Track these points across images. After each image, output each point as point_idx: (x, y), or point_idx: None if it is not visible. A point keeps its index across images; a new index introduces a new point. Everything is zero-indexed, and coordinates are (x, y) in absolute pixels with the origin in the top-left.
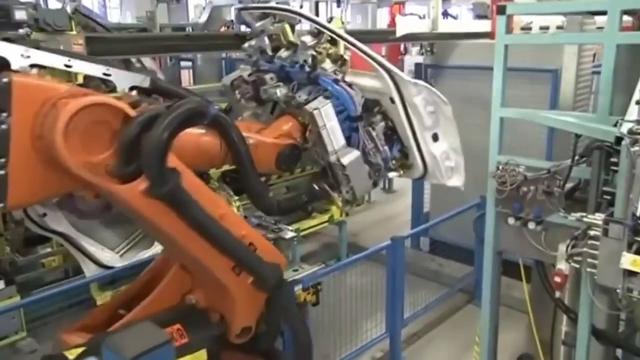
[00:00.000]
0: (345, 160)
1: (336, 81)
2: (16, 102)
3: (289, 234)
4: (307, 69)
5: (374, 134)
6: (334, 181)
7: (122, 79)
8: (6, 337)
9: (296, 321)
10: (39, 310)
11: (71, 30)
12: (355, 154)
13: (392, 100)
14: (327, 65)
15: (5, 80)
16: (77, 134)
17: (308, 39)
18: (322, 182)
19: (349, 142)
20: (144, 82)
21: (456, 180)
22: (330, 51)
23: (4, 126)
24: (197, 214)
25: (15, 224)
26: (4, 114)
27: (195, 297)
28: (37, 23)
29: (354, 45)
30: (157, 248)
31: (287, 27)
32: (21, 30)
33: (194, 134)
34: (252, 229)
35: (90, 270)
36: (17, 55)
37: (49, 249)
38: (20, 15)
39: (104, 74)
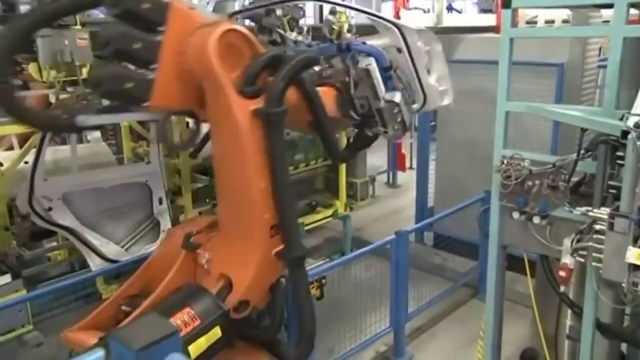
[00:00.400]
0: (397, 99)
1: (363, 44)
2: (171, 20)
3: None
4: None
5: (401, 77)
6: (381, 123)
7: None
8: (13, 330)
9: (304, 299)
10: (45, 304)
11: (75, 24)
12: (399, 93)
13: (399, 50)
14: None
15: (166, 0)
16: (223, 47)
17: (331, 17)
18: (372, 128)
19: (386, 87)
20: None
21: (447, 100)
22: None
23: (159, 37)
24: (280, 153)
25: (22, 218)
26: (160, 28)
27: (209, 256)
28: None
29: (362, 11)
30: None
31: (284, 20)
32: None
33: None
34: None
35: (95, 264)
36: None
37: (54, 243)
38: (24, 9)
39: None
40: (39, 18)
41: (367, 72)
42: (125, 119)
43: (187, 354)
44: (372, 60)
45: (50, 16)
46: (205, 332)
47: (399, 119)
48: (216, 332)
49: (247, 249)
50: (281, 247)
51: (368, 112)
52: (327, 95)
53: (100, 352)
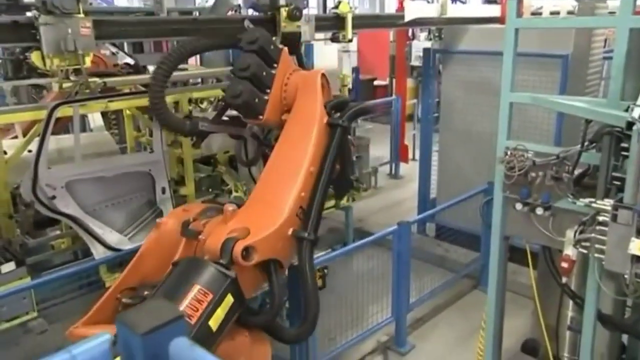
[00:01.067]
0: None
1: None
2: (281, 61)
3: None
4: None
5: None
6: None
7: None
8: (17, 317)
9: (310, 280)
10: (49, 292)
11: (79, 13)
12: None
13: None
14: None
15: (280, 47)
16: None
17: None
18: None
19: None
20: None
21: None
22: None
23: (274, 71)
24: (333, 158)
25: (25, 207)
26: (275, 65)
27: (234, 208)
28: (44, 6)
29: None
30: None
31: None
32: (29, 13)
33: None
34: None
35: (98, 253)
36: None
37: (57, 232)
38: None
39: None
40: (190, 52)
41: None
42: (226, 131)
43: (209, 330)
44: None
45: (200, 50)
46: (220, 303)
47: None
48: (229, 300)
49: (273, 214)
50: (299, 228)
51: None
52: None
53: (107, 335)
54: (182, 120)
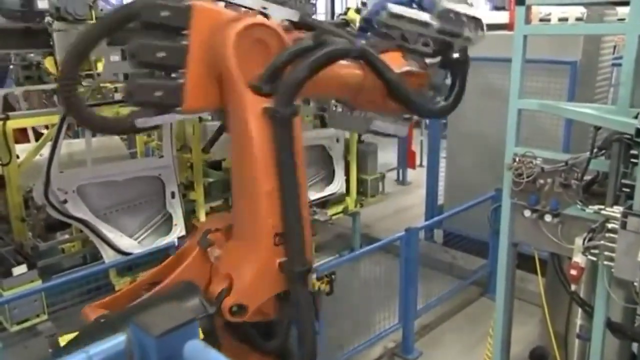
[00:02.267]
0: (442, 5)
1: None
2: (195, 23)
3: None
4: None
5: None
6: (454, 36)
7: (277, 12)
8: (27, 319)
9: (304, 316)
10: (58, 295)
11: (91, 19)
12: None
13: None
14: None
15: (187, 3)
16: (247, 42)
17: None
18: (453, 47)
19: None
20: (295, 16)
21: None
22: None
23: (184, 42)
24: (287, 156)
25: (37, 210)
26: (185, 32)
27: (218, 253)
28: (58, 12)
29: None
30: (174, 235)
31: None
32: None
33: (336, 66)
34: (308, 215)
35: (109, 256)
36: None
37: (67, 235)
38: (42, 4)
39: (263, 7)
40: (97, 35)
41: (396, 16)
42: (178, 119)
43: None
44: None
45: (103, 33)
46: None
47: (464, 19)
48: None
49: (250, 253)
50: (284, 257)
51: (436, 43)
52: (392, 58)
53: (121, 337)
54: (114, 119)
